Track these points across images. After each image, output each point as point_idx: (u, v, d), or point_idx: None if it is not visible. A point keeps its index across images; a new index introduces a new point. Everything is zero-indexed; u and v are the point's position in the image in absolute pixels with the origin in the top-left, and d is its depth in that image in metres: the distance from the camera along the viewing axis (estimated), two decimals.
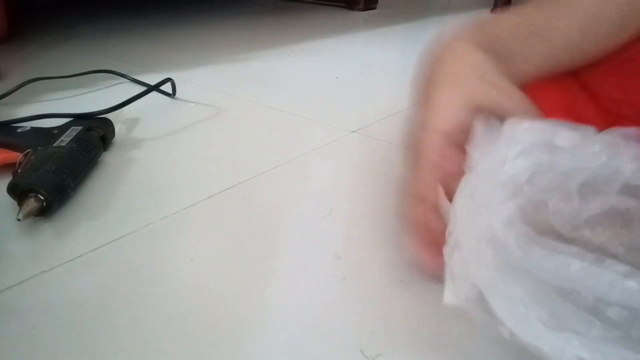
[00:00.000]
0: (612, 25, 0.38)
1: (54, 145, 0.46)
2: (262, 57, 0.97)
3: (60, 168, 0.42)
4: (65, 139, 0.47)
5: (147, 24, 1.30)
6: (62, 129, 0.50)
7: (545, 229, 0.20)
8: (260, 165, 0.50)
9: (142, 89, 0.65)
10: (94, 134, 0.50)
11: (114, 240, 0.38)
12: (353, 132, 0.60)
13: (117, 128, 0.56)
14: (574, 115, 0.46)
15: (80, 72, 0.77)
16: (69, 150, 0.45)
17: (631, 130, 0.21)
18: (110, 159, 0.52)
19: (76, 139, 0.47)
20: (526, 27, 0.36)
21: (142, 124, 0.61)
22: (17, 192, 0.39)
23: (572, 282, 0.17)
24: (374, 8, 1.62)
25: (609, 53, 0.39)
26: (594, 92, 0.43)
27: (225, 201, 0.44)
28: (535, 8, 0.38)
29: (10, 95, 0.65)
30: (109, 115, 0.56)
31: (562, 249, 0.18)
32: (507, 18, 0.37)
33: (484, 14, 1.56)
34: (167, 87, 0.69)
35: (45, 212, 0.39)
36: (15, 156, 0.45)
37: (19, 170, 0.42)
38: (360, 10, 1.57)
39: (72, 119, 0.53)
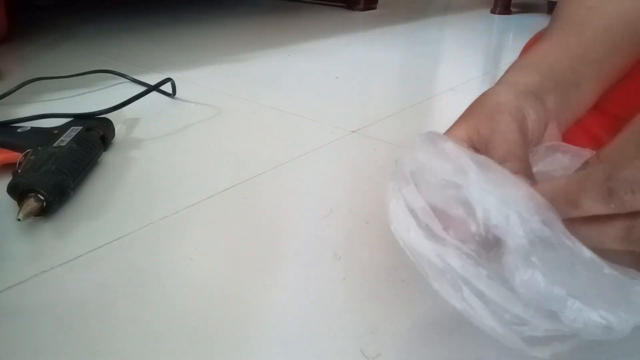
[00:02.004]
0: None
1: (54, 145, 0.46)
2: (262, 57, 0.97)
3: (60, 168, 0.42)
4: (65, 139, 0.47)
5: (147, 24, 1.30)
6: (62, 129, 0.50)
7: None
8: (260, 165, 0.50)
9: (142, 89, 0.65)
10: (94, 134, 0.50)
11: (114, 240, 0.38)
12: (353, 132, 0.60)
13: (117, 128, 0.56)
14: None
15: (80, 72, 0.77)
16: (69, 150, 0.45)
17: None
18: (110, 159, 0.52)
19: (76, 139, 0.47)
20: (578, 59, 0.36)
21: (142, 124, 0.61)
22: (17, 192, 0.39)
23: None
24: (374, 8, 1.62)
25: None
26: None
27: (225, 201, 0.44)
28: (573, 36, 0.38)
29: (10, 95, 0.65)
30: (109, 115, 0.56)
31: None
32: (556, 51, 0.37)
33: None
34: (167, 87, 0.69)
35: (45, 212, 0.39)
36: (15, 156, 0.45)
37: (19, 170, 0.42)
38: (360, 10, 1.57)
39: (72, 119, 0.53)
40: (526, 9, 1.67)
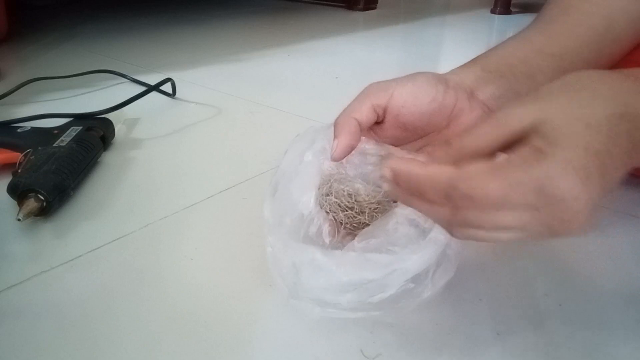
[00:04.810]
0: (622, 35, 0.38)
1: (54, 145, 0.46)
2: (262, 57, 0.97)
3: (60, 168, 0.42)
4: (65, 139, 0.47)
5: (147, 24, 1.30)
6: (62, 129, 0.50)
7: None
8: (260, 165, 0.50)
9: (142, 89, 0.65)
10: (94, 134, 0.50)
11: (114, 240, 0.38)
12: None
13: (117, 128, 0.56)
14: None
15: (80, 72, 0.77)
16: (69, 150, 0.45)
17: None
18: (110, 159, 0.52)
19: (76, 139, 0.47)
20: (534, 52, 0.38)
21: (142, 124, 0.61)
22: (17, 192, 0.39)
23: None
24: (374, 8, 1.62)
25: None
26: None
27: (225, 201, 0.44)
28: (538, 31, 0.39)
29: (10, 95, 0.65)
30: (109, 115, 0.56)
31: None
32: (514, 45, 0.40)
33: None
34: (167, 87, 0.69)
35: (45, 212, 0.39)
36: (15, 156, 0.45)
37: (19, 170, 0.42)
38: (360, 10, 1.57)
39: (72, 119, 0.53)
40: (526, 9, 1.67)
